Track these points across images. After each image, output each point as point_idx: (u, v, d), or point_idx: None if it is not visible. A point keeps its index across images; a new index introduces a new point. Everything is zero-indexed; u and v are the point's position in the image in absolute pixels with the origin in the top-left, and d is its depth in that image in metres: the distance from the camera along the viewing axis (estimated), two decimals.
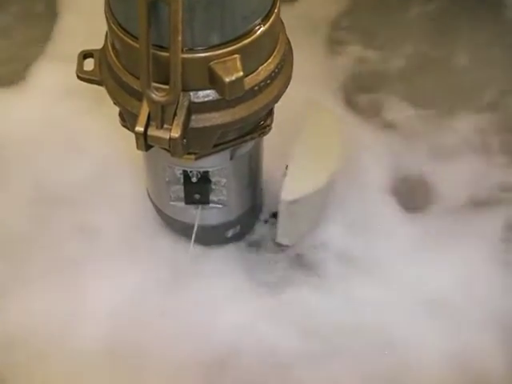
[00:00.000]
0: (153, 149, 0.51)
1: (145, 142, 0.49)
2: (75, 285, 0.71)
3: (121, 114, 0.57)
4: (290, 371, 0.67)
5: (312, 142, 0.70)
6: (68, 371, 0.67)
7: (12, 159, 0.81)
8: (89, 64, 0.58)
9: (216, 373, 0.67)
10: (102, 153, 0.81)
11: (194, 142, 0.52)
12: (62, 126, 0.83)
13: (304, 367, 0.67)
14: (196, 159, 0.56)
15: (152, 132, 0.48)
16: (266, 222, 0.77)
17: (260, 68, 0.52)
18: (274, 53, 0.53)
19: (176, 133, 0.48)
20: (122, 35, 0.49)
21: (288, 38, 0.56)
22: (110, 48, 0.53)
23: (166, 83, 0.46)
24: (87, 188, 0.79)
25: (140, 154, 0.64)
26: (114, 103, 0.55)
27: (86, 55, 0.58)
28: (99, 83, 0.56)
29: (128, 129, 0.56)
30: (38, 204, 0.77)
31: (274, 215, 0.75)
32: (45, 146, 0.82)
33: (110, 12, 0.50)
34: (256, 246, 0.75)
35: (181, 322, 0.69)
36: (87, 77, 0.57)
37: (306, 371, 0.67)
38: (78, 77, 0.57)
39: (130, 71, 0.51)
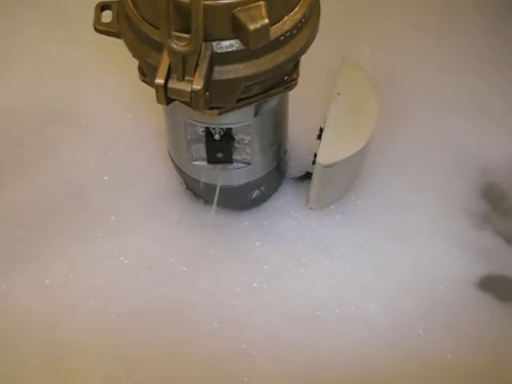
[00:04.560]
0: (173, 104, 0.49)
1: (165, 96, 0.47)
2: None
3: (140, 68, 0.55)
4: None
5: (347, 102, 0.66)
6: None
7: None
8: (106, 16, 0.55)
9: None
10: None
11: (217, 96, 0.49)
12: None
13: None
14: (219, 114, 0.53)
15: (173, 84, 0.46)
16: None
17: (286, 17, 0.49)
18: (301, 1, 0.50)
19: (198, 85, 0.45)
20: None
21: None
22: None
23: (188, 32, 0.43)
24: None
25: (161, 111, 0.63)
26: (133, 56, 0.52)
27: (103, 7, 0.56)
28: (117, 35, 0.53)
29: (147, 83, 0.54)
30: None
31: (308, 175, 0.73)
32: None
33: None
34: None
35: None
36: (105, 29, 0.54)
37: None
38: (96, 29, 0.54)
39: (150, 21, 0.48)
